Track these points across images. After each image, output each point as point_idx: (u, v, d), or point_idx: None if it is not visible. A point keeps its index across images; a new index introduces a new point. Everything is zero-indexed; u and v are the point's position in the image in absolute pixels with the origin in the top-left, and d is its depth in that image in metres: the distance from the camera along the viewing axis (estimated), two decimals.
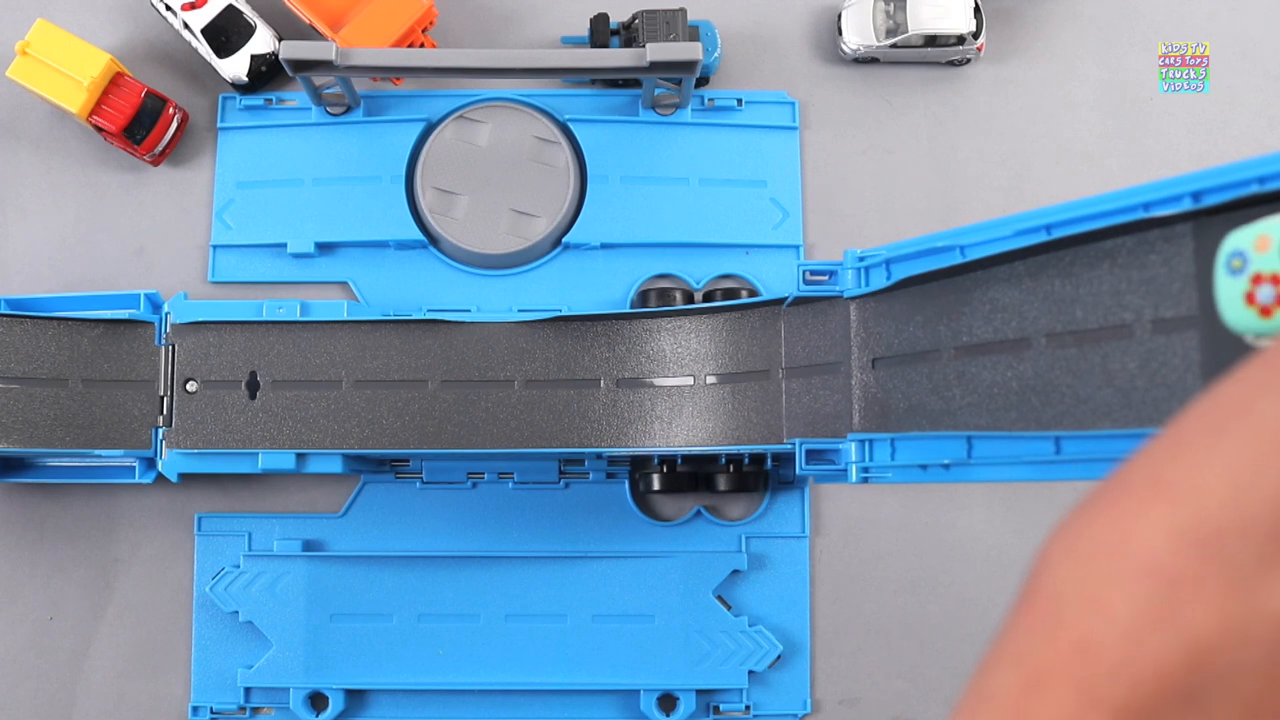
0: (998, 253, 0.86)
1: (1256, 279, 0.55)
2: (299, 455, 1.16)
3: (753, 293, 1.27)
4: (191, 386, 1.17)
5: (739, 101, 1.32)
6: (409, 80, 1.32)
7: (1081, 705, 0.37)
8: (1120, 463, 0.40)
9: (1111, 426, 0.77)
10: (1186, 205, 0.73)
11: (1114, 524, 0.39)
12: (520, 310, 1.27)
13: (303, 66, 1.18)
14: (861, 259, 1.02)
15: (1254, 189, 0.66)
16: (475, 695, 1.23)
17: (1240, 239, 0.57)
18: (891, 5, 1.31)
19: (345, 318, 1.18)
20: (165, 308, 1.19)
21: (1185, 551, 0.37)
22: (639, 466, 1.25)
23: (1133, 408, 0.76)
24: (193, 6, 1.28)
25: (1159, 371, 0.74)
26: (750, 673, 1.22)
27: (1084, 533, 0.39)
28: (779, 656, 1.23)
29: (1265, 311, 0.54)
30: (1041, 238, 0.83)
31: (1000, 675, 0.40)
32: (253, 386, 1.17)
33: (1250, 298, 0.55)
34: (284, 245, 1.28)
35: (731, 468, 1.23)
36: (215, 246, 1.30)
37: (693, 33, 1.31)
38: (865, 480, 1.00)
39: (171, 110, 1.28)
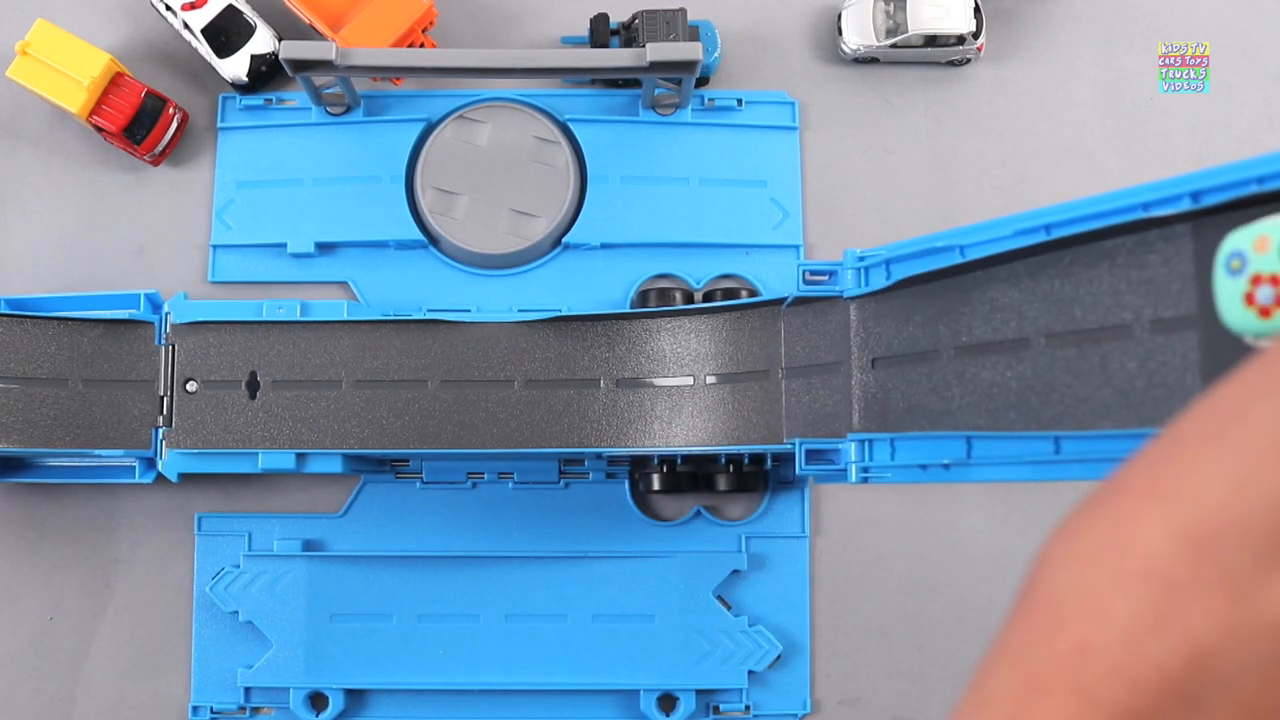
0: (997, 253, 0.86)
1: (1256, 279, 0.55)
2: (299, 455, 1.16)
3: (753, 293, 1.26)
4: (191, 386, 1.17)
5: (739, 101, 1.32)
6: (409, 80, 1.32)
7: (1081, 708, 0.37)
8: (1119, 465, 0.40)
9: (1111, 426, 0.77)
10: (1186, 205, 0.73)
11: (1112, 527, 0.39)
12: (520, 310, 1.27)
13: (303, 66, 1.18)
14: (861, 259, 1.02)
15: (1253, 189, 0.66)
16: (475, 695, 1.23)
17: (1239, 239, 0.58)
18: (891, 5, 1.31)
19: (345, 318, 1.18)
20: (165, 308, 1.19)
21: (1183, 555, 0.37)
22: (639, 466, 1.25)
23: (1132, 407, 0.76)
24: (193, 6, 1.29)
25: (1158, 371, 0.74)
26: (750, 673, 1.22)
27: (1082, 535, 0.39)
28: (779, 656, 1.23)
29: (1265, 312, 0.55)
30: (1041, 238, 0.83)
31: (999, 677, 0.40)
32: (253, 386, 1.17)
33: (1250, 298, 0.55)
34: (284, 245, 1.28)
35: (731, 468, 1.23)
36: (215, 246, 1.30)
37: (693, 33, 1.31)
38: (865, 480, 1.00)
39: (171, 110, 1.28)
